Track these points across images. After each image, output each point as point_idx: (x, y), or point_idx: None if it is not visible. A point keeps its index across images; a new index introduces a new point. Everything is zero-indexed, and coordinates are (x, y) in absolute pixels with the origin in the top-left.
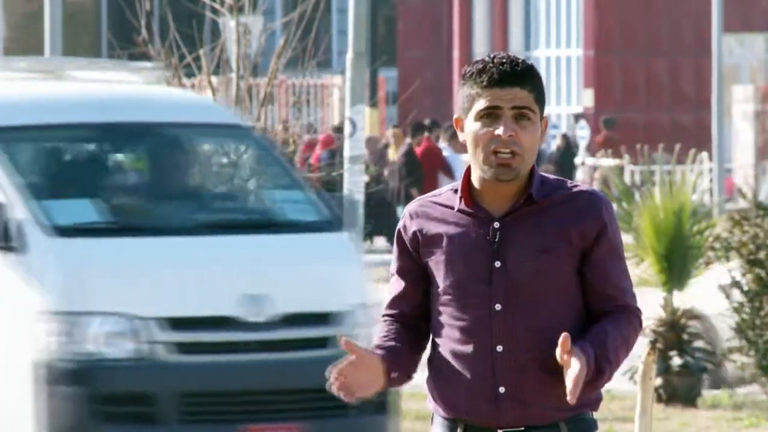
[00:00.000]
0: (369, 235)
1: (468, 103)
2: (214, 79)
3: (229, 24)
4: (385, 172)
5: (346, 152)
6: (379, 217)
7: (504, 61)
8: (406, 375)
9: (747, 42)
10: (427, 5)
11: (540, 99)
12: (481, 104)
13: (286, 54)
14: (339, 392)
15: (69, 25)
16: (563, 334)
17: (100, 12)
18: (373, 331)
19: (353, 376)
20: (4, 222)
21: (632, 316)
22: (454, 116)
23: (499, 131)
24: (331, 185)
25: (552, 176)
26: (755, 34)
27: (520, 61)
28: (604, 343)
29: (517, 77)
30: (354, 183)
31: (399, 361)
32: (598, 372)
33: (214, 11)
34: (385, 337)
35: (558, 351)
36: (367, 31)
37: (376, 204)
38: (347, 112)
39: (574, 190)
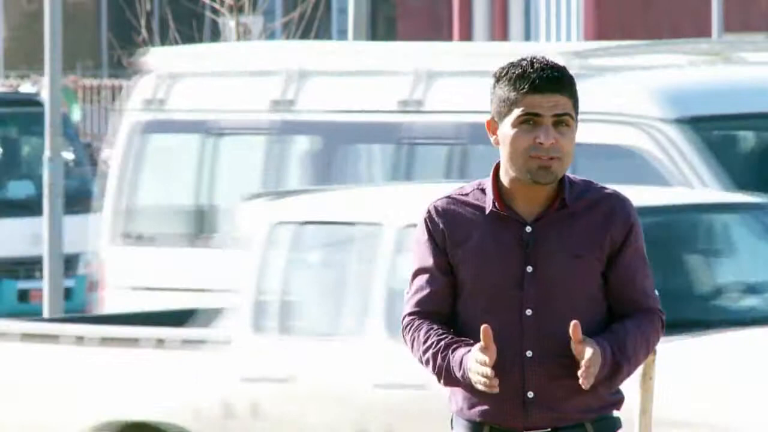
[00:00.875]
0: None
1: (504, 108)
2: None
3: (229, 24)
4: None
5: None
6: None
7: (544, 66)
8: None
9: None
10: (427, 5)
11: (576, 104)
12: (520, 110)
13: None
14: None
15: (69, 25)
16: (573, 322)
17: (100, 12)
18: None
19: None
20: None
21: (656, 318)
22: (486, 119)
23: (541, 139)
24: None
25: (578, 178)
26: (755, 34)
27: (558, 65)
28: (622, 340)
29: (557, 84)
30: None
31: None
32: (615, 366)
33: (214, 11)
34: (448, 336)
35: (572, 343)
36: (367, 31)
37: None
38: None
39: (602, 192)
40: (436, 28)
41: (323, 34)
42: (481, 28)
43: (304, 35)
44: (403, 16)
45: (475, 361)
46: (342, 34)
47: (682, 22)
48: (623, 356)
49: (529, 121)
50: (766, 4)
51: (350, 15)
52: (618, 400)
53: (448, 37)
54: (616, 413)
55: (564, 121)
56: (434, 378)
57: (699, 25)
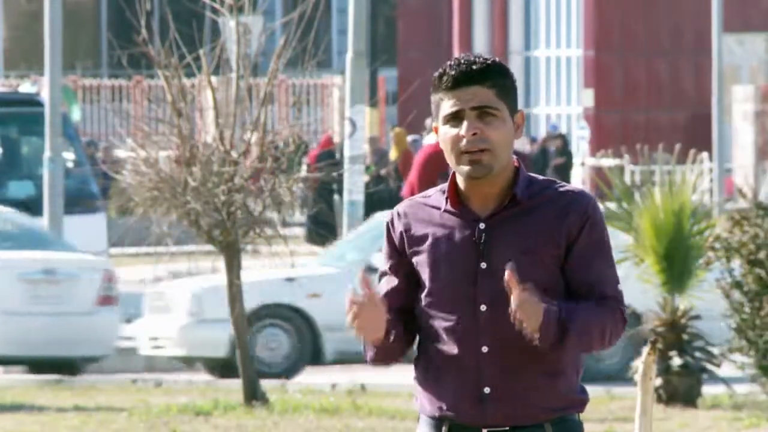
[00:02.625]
0: None
1: (436, 109)
2: (214, 79)
3: (229, 24)
4: (382, 172)
5: (346, 152)
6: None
7: (461, 62)
8: (394, 352)
9: (747, 42)
10: (427, 5)
11: (504, 93)
12: (445, 108)
13: (286, 54)
14: (358, 330)
15: (69, 25)
16: (507, 271)
17: (100, 12)
18: None
19: (364, 317)
20: None
21: (613, 305)
22: (432, 124)
23: (462, 132)
24: (330, 185)
25: (541, 177)
26: (755, 34)
27: (479, 59)
28: (573, 308)
29: (473, 76)
30: (354, 183)
31: (396, 330)
32: (562, 328)
33: (214, 11)
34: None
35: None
36: (367, 31)
37: (376, 204)
38: (347, 112)
39: (561, 189)
40: (436, 28)
41: (323, 34)
42: (481, 28)
43: (304, 35)
44: (403, 16)
45: (347, 302)
46: (342, 34)
47: (682, 22)
48: (571, 321)
49: (455, 117)
50: (766, 4)
51: (350, 15)
52: (580, 401)
53: (448, 37)
54: (578, 417)
55: (487, 111)
56: (369, 362)
57: (699, 25)
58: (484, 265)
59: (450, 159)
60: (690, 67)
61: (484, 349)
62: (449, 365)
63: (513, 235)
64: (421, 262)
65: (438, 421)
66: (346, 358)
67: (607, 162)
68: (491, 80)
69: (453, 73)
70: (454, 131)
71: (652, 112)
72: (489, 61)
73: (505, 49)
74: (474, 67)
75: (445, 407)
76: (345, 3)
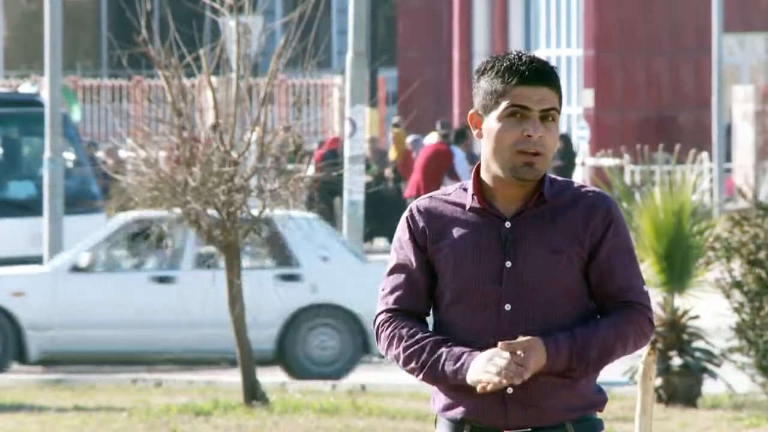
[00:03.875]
0: (369, 235)
1: (490, 101)
2: (214, 79)
3: (229, 24)
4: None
5: (346, 152)
6: (379, 218)
7: (532, 59)
8: None
9: (747, 42)
10: (427, 5)
11: (560, 100)
12: (508, 103)
13: (286, 54)
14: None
15: (69, 25)
16: (500, 344)
17: (100, 12)
18: None
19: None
20: None
21: (636, 311)
22: (470, 111)
23: (529, 132)
24: (331, 185)
25: (560, 177)
26: (755, 34)
27: (544, 60)
28: (584, 329)
29: (545, 77)
30: (354, 183)
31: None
32: (572, 352)
33: (214, 11)
34: (436, 335)
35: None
36: (367, 31)
37: (376, 204)
38: (347, 112)
39: (582, 190)
40: (436, 28)
41: (323, 34)
42: (481, 28)
43: (304, 35)
44: (403, 16)
45: (490, 362)
46: (342, 34)
47: (682, 22)
48: (586, 348)
49: (516, 113)
50: (766, 4)
51: (350, 15)
52: (600, 401)
53: (448, 37)
54: (599, 415)
55: (550, 115)
56: (410, 372)
57: (699, 25)
58: (509, 264)
59: (499, 154)
60: (690, 67)
61: None
62: None
63: (539, 234)
64: (443, 259)
65: (459, 424)
66: (50, 358)
67: (607, 162)
68: (557, 85)
69: (524, 68)
70: (514, 128)
71: (652, 112)
72: (551, 64)
73: (505, 49)
74: (546, 67)
75: (466, 410)
76: (345, 3)
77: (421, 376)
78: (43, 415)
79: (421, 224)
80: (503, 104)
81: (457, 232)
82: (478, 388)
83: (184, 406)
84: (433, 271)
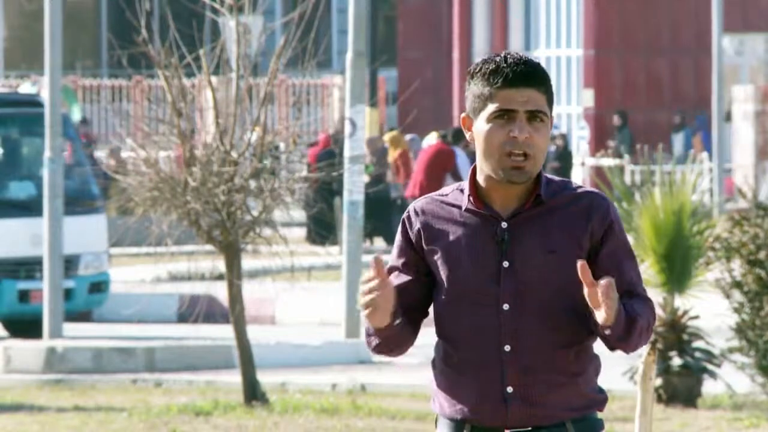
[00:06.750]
0: (368, 235)
1: (479, 104)
2: (214, 79)
3: (229, 24)
4: (388, 173)
5: (346, 152)
6: (378, 218)
7: (518, 61)
8: (398, 342)
9: (747, 42)
10: (427, 5)
11: (550, 100)
12: (494, 106)
13: (286, 54)
14: (368, 308)
15: (69, 25)
16: (580, 263)
17: (100, 12)
18: None
19: (375, 300)
20: None
21: (647, 301)
22: (462, 115)
23: (515, 133)
24: (330, 185)
25: (557, 177)
26: (755, 34)
27: (532, 61)
28: (632, 305)
29: (531, 78)
30: (354, 183)
31: (402, 320)
32: (630, 321)
33: (214, 11)
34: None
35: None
36: (367, 31)
37: (375, 204)
38: (347, 112)
39: (579, 191)
40: (436, 28)
41: (323, 34)
42: (481, 28)
43: (304, 35)
44: (403, 16)
45: (360, 284)
46: (342, 34)
47: (681, 22)
48: (635, 317)
49: (503, 116)
50: (766, 4)
51: (350, 15)
52: (601, 400)
53: (448, 37)
54: (599, 414)
55: (538, 116)
56: (377, 352)
57: (699, 25)
58: (506, 264)
59: (489, 157)
60: (690, 67)
61: (507, 348)
62: (470, 366)
63: (537, 234)
64: (439, 260)
65: (459, 423)
66: None
67: (607, 162)
68: (545, 86)
69: (509, 71)
70: (501, 129)
71: (652, 112)
72: (539, 65)
73: (505, 49)
74: (531, 68)
75: (467, 409)
76: (345, 3)
77: (371, 347)
78: (43, 415)
79: (417, 225)
80: (490, 107)
81: (453, 233)
82: (365, 314)
83: (184, 406)
84: (430, 271)
